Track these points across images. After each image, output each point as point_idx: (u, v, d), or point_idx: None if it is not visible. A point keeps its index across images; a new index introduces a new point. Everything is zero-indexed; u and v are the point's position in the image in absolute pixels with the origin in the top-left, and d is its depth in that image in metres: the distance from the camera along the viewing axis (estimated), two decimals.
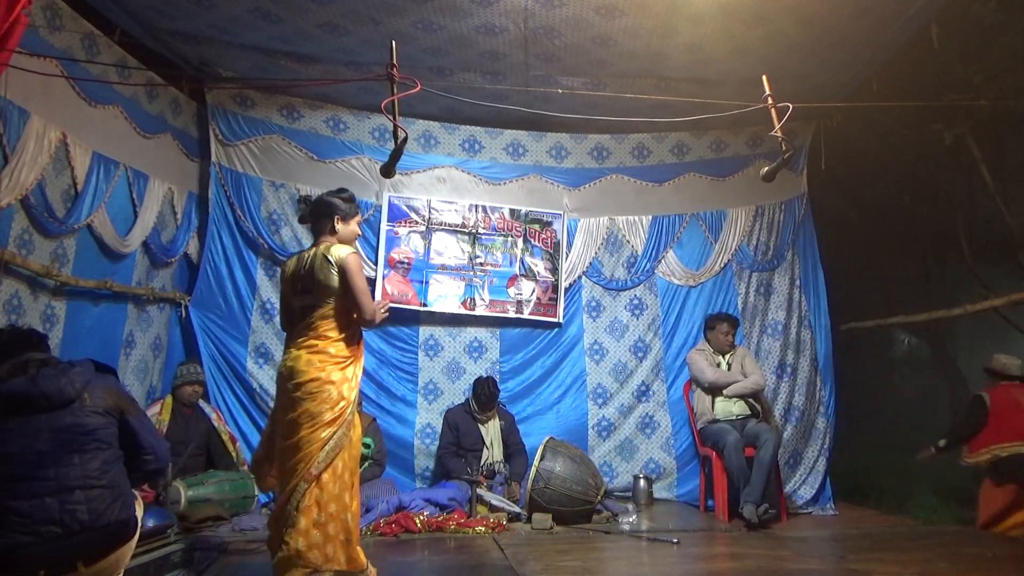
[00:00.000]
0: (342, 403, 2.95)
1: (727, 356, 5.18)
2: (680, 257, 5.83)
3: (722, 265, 5.78)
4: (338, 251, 3.04)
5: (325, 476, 2.87)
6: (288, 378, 2.97)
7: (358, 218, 3.26)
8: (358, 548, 2.96)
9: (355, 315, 3.06)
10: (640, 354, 5.75)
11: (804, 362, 5.61)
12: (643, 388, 5.69)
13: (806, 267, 5.77)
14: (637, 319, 5.80)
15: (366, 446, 4.90)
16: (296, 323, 3.11)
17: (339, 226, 3.16)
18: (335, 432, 2.91)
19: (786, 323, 5.68)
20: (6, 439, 2.26)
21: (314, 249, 3.12)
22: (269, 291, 5.28)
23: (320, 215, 3.18)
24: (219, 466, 4.61)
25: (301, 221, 3.36)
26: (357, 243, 5.43)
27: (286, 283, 3.19)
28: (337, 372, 2.97)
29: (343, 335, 3.03)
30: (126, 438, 2.48)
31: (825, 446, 5.38)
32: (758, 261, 5.78)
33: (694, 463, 5.52)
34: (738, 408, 4.94)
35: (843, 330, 6.18)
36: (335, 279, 3.00)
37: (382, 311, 3.10)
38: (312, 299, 3.05)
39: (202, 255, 5.21)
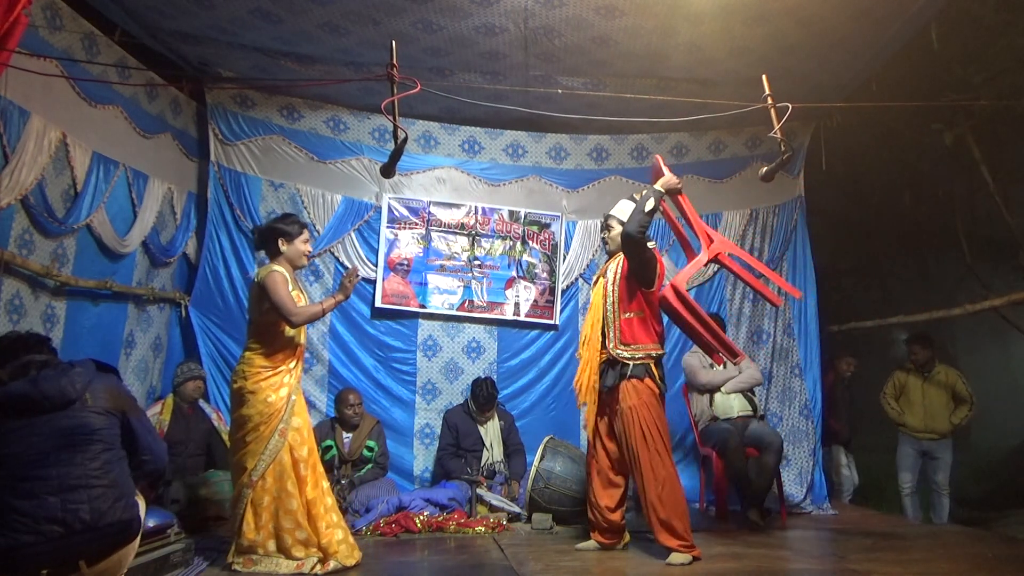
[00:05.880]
0: (266, 411, 3.27)
1: None
2: (673, 260, 5.78)
3: (714, 269, 5.71)
4: (261, 272, 3.37)
5: (263, 483, 3.26)
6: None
7: (304, 236, 3.48)
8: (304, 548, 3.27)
9: (283, 326, 3.36)
10: None
11: (783, 369, 5.63)
12: None
13: (796, 273, 5.71)
14: None
15: (369, 449, 4.91)
16: None
17: (284, 248, 3.43)
18: (268, 441, 3.25)
19: (771, 331, 5.67)
20: (8, 440, 2.27)
21: None
22: None
23: (265, 241, 3.48)
24: (219, 466, 4.60)
25: (257, 249, 3.57)
26: (357, 242, 5.48)
27: None
28: (260, 382, 3.30)
29: (266, 346, 3.36)
30: (126, 438, 2.49)
31: (813, 446, 5.38)
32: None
33: (683, 462, 5.55)
34: (738, 404, 4.91)
35: (842, 330, 6.17)
36: (256, 296, 3.36)
37: (353, 278, 3.44)
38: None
39: (200, 255, 5.20)
